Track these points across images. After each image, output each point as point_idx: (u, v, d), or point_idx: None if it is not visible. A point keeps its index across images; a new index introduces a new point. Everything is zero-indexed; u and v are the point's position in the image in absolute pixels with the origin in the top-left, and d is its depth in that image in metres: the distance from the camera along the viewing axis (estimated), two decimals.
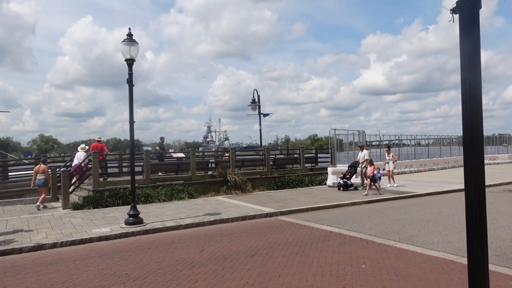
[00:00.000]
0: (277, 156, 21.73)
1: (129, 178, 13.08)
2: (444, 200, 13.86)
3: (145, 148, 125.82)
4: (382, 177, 17.03)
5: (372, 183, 15.47)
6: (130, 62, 10.47)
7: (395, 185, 17.44)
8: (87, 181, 15.97)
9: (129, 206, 10.95)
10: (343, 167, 19.00)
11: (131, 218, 10.11)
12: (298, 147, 25.33)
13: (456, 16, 2.45)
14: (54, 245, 8.38)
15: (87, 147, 17.01)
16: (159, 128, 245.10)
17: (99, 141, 16.95)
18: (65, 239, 8.63)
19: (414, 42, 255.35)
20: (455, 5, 2.44)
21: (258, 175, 18.33)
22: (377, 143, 27.17)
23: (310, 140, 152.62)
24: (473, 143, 2.49)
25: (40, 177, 13.83)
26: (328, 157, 20.95)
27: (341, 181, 16.33)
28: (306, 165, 20.82)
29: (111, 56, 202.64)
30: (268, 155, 18.76)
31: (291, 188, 17.95)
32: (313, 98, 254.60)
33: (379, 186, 15.46)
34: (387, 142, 29.02)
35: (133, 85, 10.50)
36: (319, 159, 22.17)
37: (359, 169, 17.43)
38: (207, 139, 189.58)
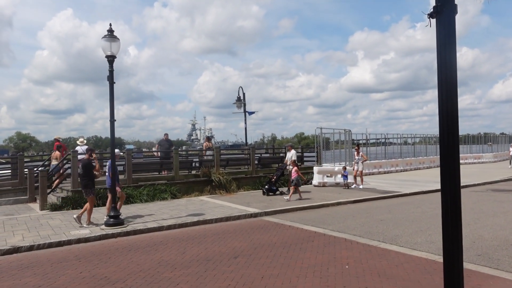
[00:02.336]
0: (262, 155, 21.75)
1: None
2: (428, 200, 14.10)
3: (127, 146, 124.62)
4: (349, 176, 17.44)
5: (295, 188, 14.11)
6: (111, 59, 10.39)
7: (361, 186, 17.14)
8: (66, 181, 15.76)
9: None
10: (329, 167, 19.14)
11: (112, 219, 10.04)
12: (283, 146, 25.36)
13: (433, 21, 2.53)
14: (31, 248, 8.27)
15: (85, 140, 17.01)
16: (142, 125, 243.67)
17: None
18: (43, 242, 8.52)
19: (402, 40, 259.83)
20: (432, 10, 2.52)
21: (243, 175, 18.32)
22: (364, 141, 27.47)
23: (297, 139, 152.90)
24: (449, 146, 2.57)
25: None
26: (315, 156, 20.99)
27: (266, 186, 15.50)
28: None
29: (93, 51, 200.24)
30: (253, 154, 18.74)
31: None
32: (300, 96, 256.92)
33: (298, 194, 14.19)
34: (375, 140, 29.46)
35: (114, 83, 10.42)
36: (305, 158, 22.28)
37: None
38: (192, 137, 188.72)
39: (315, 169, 18.77)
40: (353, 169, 17.70)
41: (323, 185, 17.86)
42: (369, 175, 24.25)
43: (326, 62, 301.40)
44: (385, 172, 25.87)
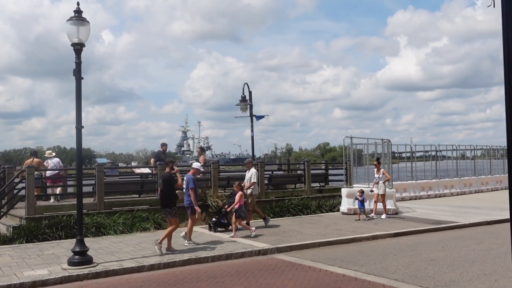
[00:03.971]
0: (274, 172, 21.71)
1: (74, 201, 12.68)
2: (494, 233, 13.98)
3: (99, 160, 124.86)
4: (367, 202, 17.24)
5: (237, 221, 13.70)
6: (78, 47, 10.51)
7: (383, 216, 16.97)
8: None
9: (74, 240, 10.74)
10: (362, 188, 19.00)
11: (77, 257, 10.03)
12: (303, 160, 25.35)
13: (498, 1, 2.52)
14: None
15: (53, 153, 17.87)
16: (118, 133, 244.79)
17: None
18: None
19: (457, 22, 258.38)
20: None
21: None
22: (408, 155, 27.25)
23: (320, 151, 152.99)
24: None
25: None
26: (343, 174, 20.91)
27: (214, 219, 14.96)
28: (314, 184, 20.74)
29: (56, 37, 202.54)
30: (262, 171, 18.64)
31: (293, 215, 17.99)
32: (324, 95, 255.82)
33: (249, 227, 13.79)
34: (422, 153, 29.19)
35: (82, 78, 10.55)
36: (330, 177, 22.13)
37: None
38: (182, 148, 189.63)
39: (344, 191, 18.72)
40: (371, 191, 17.52)
41: (354, 212, 17.73)
42: (415, 199, 24.12)
43: (358, 51, 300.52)
44: (436, 196, 25.68)
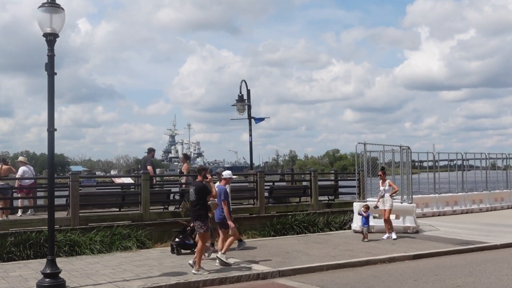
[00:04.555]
0: (275, 183, 21.65)
1: (45, 215, 12.65)
2: None
3: (73, 168, 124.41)
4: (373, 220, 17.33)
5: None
6: (51, 37, 10.50)
7: (394, 236, 16.79)
8: None
9: (44, 260, 10.68)
10: (370, 202, 18.60)
11: (47, 279, 9.95)
12: (309, 169, 25.26)
13: None
14: None
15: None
16: (95, 136, 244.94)
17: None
18: None
19: (487, 11, 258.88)
20: None
21: (247, 213, 18.23)
22: (430, 164, 27.08)
23: (329, 159, 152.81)
24: None
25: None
26: (355, 186, 20.90)
27: (177, 239, 14.45)
28: (321, 198, 20.63)
29: (26, 26, 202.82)
30: (262, 182, 18.58)
31: (297, 233, 17.92)
32: (334, 94, 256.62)
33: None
34: (447, 162, 29.04)
35: (55, 73, 10.53)
36: (341, 189, 22.10)
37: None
38: (170, 155, 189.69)
39: (356, 206, 18.48)
40: (375, 207, 17.25)
41: (369, 231, 17.64)
42: (438, 215, 23.99)
43: (373, 44, 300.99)
44: (462, 212, 25.55)
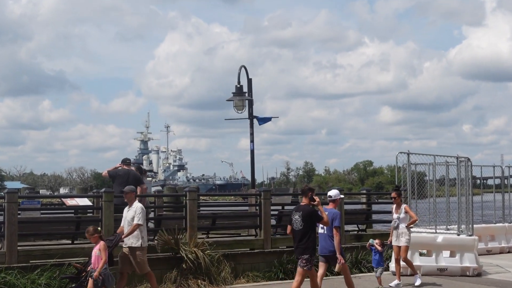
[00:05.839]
0: (286, 207, 19.10)
1: None
2: None
3: (9, 184, 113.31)
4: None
5: None
6: None
7: (418, 281, 14.76)
8: None
9: None
10: (426, 233, 17.03)
11: None
12: (329, 187, 23.16)
13: None
14: None
15: None
16: (40, 141, 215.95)
17: None
18: None
19: None
20: None
21: (246, 248, 16.64)
22: (497, 182, 24.63)
23: (359, 174, 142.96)
24: None
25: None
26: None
27: (74, 285, 12.59)
28: (348, 227, 19.44)
29: None
30: (267, 205, 16.79)
31: None
32: (365, 85, 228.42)
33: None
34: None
35: None
36: (375, 215, 20.75)
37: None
38: (142, 167, 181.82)
39: None
40: (386, 243, 15.36)
41: (412, 273, 15.51)
42: (508, 252, 21.61)
43: (420, 18, 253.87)
44: None
